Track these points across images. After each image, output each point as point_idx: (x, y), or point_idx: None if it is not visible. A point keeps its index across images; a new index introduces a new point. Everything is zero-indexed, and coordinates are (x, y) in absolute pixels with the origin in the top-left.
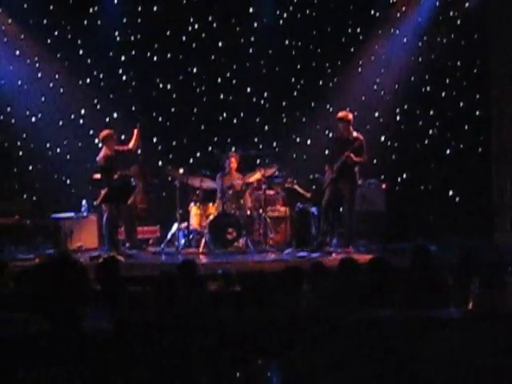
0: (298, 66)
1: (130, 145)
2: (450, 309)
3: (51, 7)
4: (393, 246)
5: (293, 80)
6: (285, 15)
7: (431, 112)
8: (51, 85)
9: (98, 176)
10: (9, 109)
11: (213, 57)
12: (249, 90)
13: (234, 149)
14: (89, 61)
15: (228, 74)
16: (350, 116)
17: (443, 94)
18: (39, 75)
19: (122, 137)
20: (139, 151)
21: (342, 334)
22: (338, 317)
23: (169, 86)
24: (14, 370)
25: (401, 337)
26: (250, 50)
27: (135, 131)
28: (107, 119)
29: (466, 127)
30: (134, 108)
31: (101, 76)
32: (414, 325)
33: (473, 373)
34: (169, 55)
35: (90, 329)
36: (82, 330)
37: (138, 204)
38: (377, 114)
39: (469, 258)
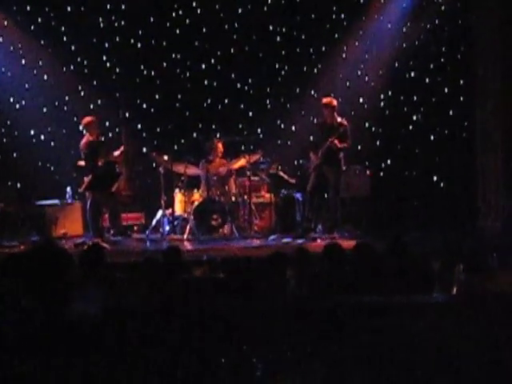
0: (283, 52)
1: (116, 153)
2: (435, 294)
3: None
4: (377, 232)
5: (277, 66)
6: (269, 1)
7: (415, 98)
8: (35, 72)
9: (82, 163)
10: None
11: (197, 43)
12: (233, 76)
13: (218, 135)
14: (72, 47)
15: (212, 60)
16: (335, 102)
17: (427, 79)
18: (23, 62)
19: (107, 123)
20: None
21: (326, 320)
22: (322, 303)
23: (153, 73)
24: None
25: (385, 322)
26: (234, 36)
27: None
28: (91, 106)
29: (451, 113)
30: (117, 95)
31: (84, 63)
32: (398, 310)
33: (457, 358)
34: (153, 41)
35: (76, 315)
36: (67, 317)
37: (122, 191)
38: (361, 100)
39: (452, 244)
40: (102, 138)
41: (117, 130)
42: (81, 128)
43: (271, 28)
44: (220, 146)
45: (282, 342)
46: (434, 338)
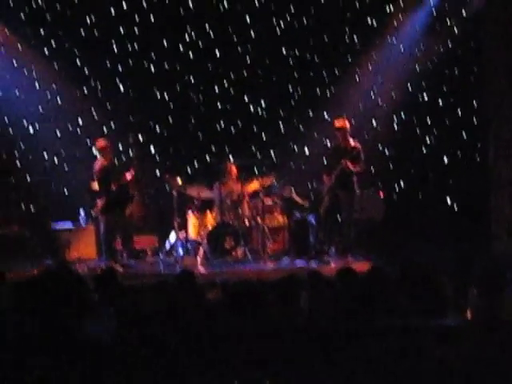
0: (295, 75)
1: (128, 176)
2: (448, 318)
3: (48, 17)
4: (391, 255)
5: (290, 89)
6: (282, 25)
7: (428, 120)
8: (48, 95)
9: (95, 186)
10: (6, 119)
11: (210, 66)
12: (246, 99)
13: (231, 158)
14: (86, 71)
15: (225, 84)
16: (348, 124)
17: (440, 102)
18: (36, 85)
19: (120, 147)
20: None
21: (339, 343)
22: (335, 327)
23: (166, 96)
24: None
25: (399, 346)
26: (247, 59)
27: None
28: (104, 129)
29: (464, 135)
30: (131, 118)
31: (98, 86)
32: (412, 334)
33: (471, 382)
34: (166, 65)
35: (89, 340)
36: (81, 340)
37: (135, 214)
38: (374, 123)
39: (467, 267)
40: (116, 162)
41: (130, 153)
42: (94, 151)
43: (284, 51)
44: (234, 168)
45: (294, 365)
46: (449, 362)
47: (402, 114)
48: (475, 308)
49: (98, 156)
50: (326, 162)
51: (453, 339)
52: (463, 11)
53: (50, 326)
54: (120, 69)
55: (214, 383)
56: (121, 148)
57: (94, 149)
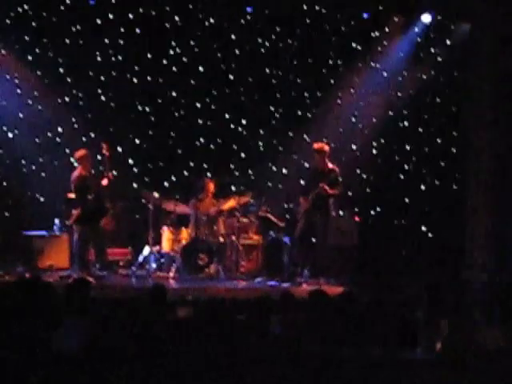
0: (278, 95)
1: (104, 182)
2: (418, 349)
3: (33, 24)
4: (364, 280)
5: (271, 108)
6: (266, 44)
7: (407, 147)
8: (30, 102)
9: (71, 196)
10: None
11: (192, 81)
12: (227, 116)
13: (209, 175)
14: (68, 79)
15: (207, 100)
16: (326, 148)
17: (420, 129)
18: (18, 91)
19: (98, 157)
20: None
21: (308, 368)
22: (304, 351)
23: (147, 109)
24: None
25: (366, 376)
26: (231, 77)
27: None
28: (84, 139)
29: (442, 164)
30: (111, 129)
31: (79, 95)
32: (380, 364)
33: None
34: (149, 78)
35: (59, 351)
36: (51, 351)
37: (106, 226)
38: (354, 147)
39: (437, 297)
40: (93, 172)
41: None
42: (73, 160)
43: (268, 71)
44: (211, 185)
45: None
46: None
47: (382, 139)
48: (446, 340)
49: (77, 165)
50: (303, 184)
51: (421, 373)
52: (447, 40)
53: (19, 336)
54: (102, 79)
55: None
56: (99, 158)
57: (72, 158)
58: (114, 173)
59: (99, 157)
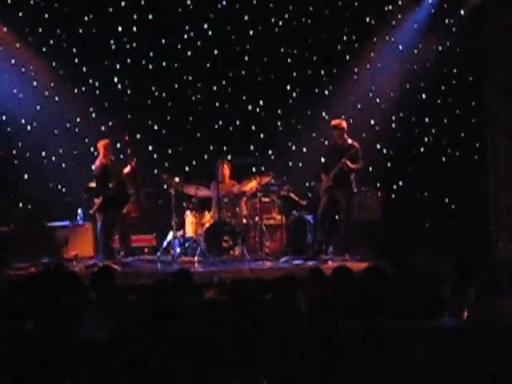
0: (294, 74)
1: (126, 170)
2: (445, 318)
3: (46, 16)
4: (389, 255)
5: (288, 88)
6: (280, 23)
7: (427, 119)
8: (46, 93)
9: (93, 184)
10: (4, 117)
11: (208, 65)
12: (244, 97)
13: (229, 157)
14: (84, 69)
15: (223, 82)
16: (344, 124)
17: (439, 101)
18: (34, 84)
19: (117, 145)
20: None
21: (336, 343)
22: (332, 326)
23: (164, 94)
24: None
25: (396, 347)
26: (246, 58)
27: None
28: (102, 128)
29: (462, 135)
30: (129, 116)
31: (96, 84)
32: (407, 335)
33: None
34: (164, 63)
35: (85, 339)
36: (78, 340)
37: (131, 212)
38: (372, 122)
39: (464, 267)
40: (113, 159)
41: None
42: (93, 149)
43: (282, 50)
44: (226, 167)
45: (290, 364)
46: (443, 364)
47: (401, 113)
48: (472, 309)
49: (98, 154)
50: (323, 161)
51: (448, 340)
52: (461, 10)
53: (46, 325)
54: (118, 67)
55: (211, 382)
56: (118, 146)
57: (92, 147)
58: (135, 160)
59: (119, 145)
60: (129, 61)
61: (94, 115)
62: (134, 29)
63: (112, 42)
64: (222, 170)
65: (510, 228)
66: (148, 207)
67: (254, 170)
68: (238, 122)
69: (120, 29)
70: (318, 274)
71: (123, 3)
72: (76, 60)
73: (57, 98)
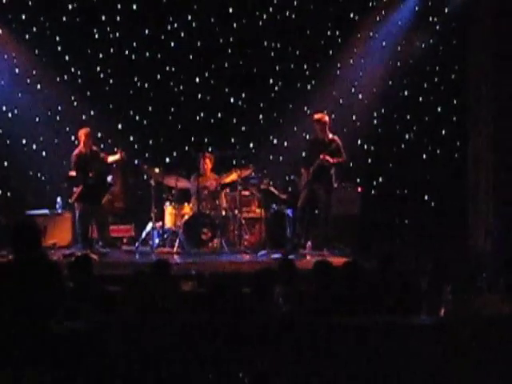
0: (277, 68)
1: (111, 158)
2: (422, 315)
3: (30, 3)
4: (367, 250)
5: (271, 81)
6: (264, 16)
7: (408, 116)
8: (28, 81)
9: (73, 173)
10: None
11: (191, 56)
12: (226, 90)
13: (210, 149)
14: (67, 57)
15: (206, 74)
16: (326, 118)
17: (421, 98)
18: (16, 71)
19: (98, 134)
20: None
21: (313, 338)
22: (310, 321)
23: (146, 85)
24: None
25: (372, 343)
26: (229, 50)
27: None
28: (84, 116)
29: (443, 132)
30: (110, 106)
31: (78, 73)
32: (384, 331)
33: (443, 381)
34: (147, 54)
35: (62, 328)
36: (55, 329)
37: (116, 202)
38: (354, 117)
39: (441, 264)
40: (94, 149)
41: (109, 141)
42: (74, 138)
43: (265, 43)
44: (208, 160)
45: (268, 358)
46: (420, 360)
47: (383, 109)
48: (449, 305)
49: (78, 143)
50: (304, 155)
51: (425, 337)
52: (446, 8)
53: (23, 313)
54: (101, 56)
55: (187, 376)
56: (100, 135)
57: (75, 135)
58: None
59: (99, 134)
60: (112, 50)
61: (75, 104)
62: (118, 18)
63: (95, 30)
64: (204, 163)
65: (488, 226)
66: (129, 198)
67: (234, 162)
68: (219, 115)
69: (103, 18)
70: (289, 266)
71: None
72: (59, 48)
73: (39, 86)
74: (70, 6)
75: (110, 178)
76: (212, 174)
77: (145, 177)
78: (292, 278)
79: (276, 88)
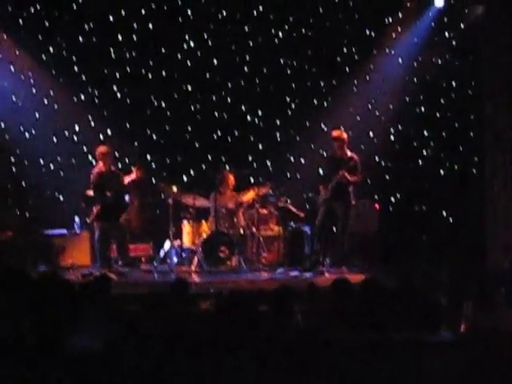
0: (293, 85)
1: (127, 179)
2: (442, 331)
3: (46, 23)
4: (385, 267)
5: (287, 99)
6: (280, 34)
7: (425, 133)
8: (45, 101)
9: (91, 193)
10: (3, 124)
11: (208, 75)
12: (243, 108)
13: (227, 167)
14: (83, 77)
15: (223, 93)
16: (345, 135)
17: (438, 114)
18: (33, 91)
19: (116, 154)
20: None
21: (333, 356)
22: (329, 339)
23: (163, 104)
24: None
25: (393, 360)
26: (245, 69)
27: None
28: (101, 136)
29: (461, 148)
30: (127, 125)
31: (95, 93)
32: (405, 348)
33: None
34: (164, 73)
35: (79, 348)
36: (71, 349)
37: (133, 221)
38: (371, 134)
39: (461, 280)
40: (113, 168)
41: (126, 160)
42: (92, 158)
43: (282, 61)
44: (231, 177)
45: (287, 379)
46: (441, 377)
47: (399, 125)
48: (469, 321)
49: (96, 162)
50: (322, 173)
51: (445, 353)
52: (461, 24)
53: (39, 333)
54: (117, 76)
55: None
56: (117, 155)
57: (91, 156)
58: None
59: (116, 154)
60: (128, 70)
61: (92, 123)
62: (134, 38)
63: (112, 50)
64: (227, 180)
65: (506, 241)
66: (147, 216)
67: (251, 180)
68: (236, 133)
69: (120, 38)
70: (314, 288)
71: (123, 12)
72: (75, 68)
73: (56, 106)
74: (87, 26)
75: (127, 197)
76: (231, 192)
77: (162, 195)
78: (313, 297)
79: (293, 105)
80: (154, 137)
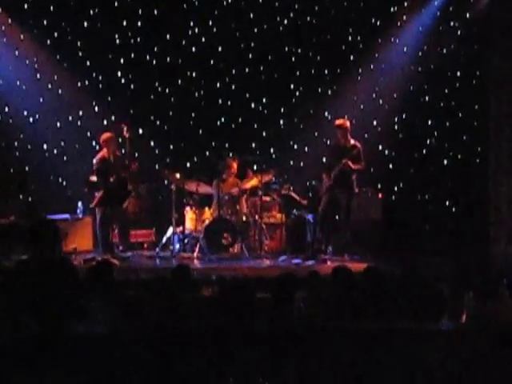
0: (298, 73)
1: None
2: (443, 321)
3: (51, 8)
4: (388, 256)
5: (292, 86)
6: (285, 22)
7: (430, 122)
8: (50, 86)
9: (94, 178)
10: (7, 109)
11: (212, 61)
12: (247, 95)
13: (231, 154)
14: (88, 63)
15: (227, 79)
16: (348, 123)
17: (442, 103)
18: (38, 76)
19: (119, 140)
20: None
21: (334, 344)
22: (330, 327)
23: (167, 90)
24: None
25: (394, 348)
26: (250, 56)
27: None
28: (105, 122)
29: (465, 138)
30: (131, 111)
31: (99, 78)
32: (406, 336)
33: None
34: (168, 59)
35: (82, 333)
36: (74, 333)
37: (130, 208)
38: (375, 123)
39: (463, 270)
40: (118, 154)
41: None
42: (94, 144)
43: (286, 48)
44: (234, 164)
45: (287, 365)
46: (441, 365)
47: (404, 114)
48: (472, 311)
49: (100, 148)
50: (325, 161)
51: (447, 343)
52: (467, 13)
53: (42, 317)
54: (122, 61)
55: (207, 378)
56: (120, 140)
57: (94, 141)
58: (136, 154)
59: (120, 139)
60: (133, 55)
61: (96, 109)
62: (139, 23)
63: (116, 36)
64: (230, 168)
65: (510, 231)
66: (148, 203)
67: (255, 167)
68: (240, 120)
69: (125, 23)
70: (316, 276)
71: None
72: (80, 53)
73: (60, 91)
74: (92, 12)
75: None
76: (235, 179)
77: (165, 182)
78: (314, 285)
79: (297, 93)
80: (158, 123)
